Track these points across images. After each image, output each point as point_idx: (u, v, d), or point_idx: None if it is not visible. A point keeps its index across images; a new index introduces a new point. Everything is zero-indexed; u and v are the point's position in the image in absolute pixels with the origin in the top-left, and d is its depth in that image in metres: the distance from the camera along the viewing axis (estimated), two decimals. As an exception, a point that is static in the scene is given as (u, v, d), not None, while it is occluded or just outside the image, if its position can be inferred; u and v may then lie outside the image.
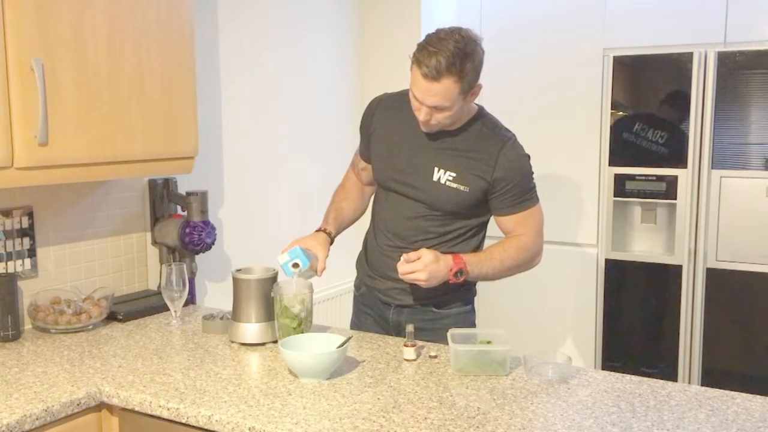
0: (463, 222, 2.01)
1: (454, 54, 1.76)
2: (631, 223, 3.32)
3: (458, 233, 2.01)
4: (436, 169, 1.96)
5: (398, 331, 2.08)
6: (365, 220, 2.23)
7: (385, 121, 2.07)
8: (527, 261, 2.01)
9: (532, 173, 2.00)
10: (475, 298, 2.15)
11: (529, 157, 2.00)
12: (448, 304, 2.07)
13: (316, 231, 2.08)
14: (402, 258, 1.87)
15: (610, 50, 3.27)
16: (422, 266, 1.83)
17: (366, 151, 2.14)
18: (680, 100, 3.09)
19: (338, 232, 2.14)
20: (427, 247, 1.92)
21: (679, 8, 3.19)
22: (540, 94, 3.49)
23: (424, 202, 1.99)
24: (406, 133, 2.01)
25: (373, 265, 2.12)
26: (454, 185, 1.94)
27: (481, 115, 2.00)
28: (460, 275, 1.88)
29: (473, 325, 2.13)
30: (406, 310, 2.08)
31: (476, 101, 1.98)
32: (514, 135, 2.00)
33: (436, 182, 1.96)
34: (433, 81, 1.78)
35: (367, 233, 2.19)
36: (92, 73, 1.93)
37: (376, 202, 2.16)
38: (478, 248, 2.06)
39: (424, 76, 1.79)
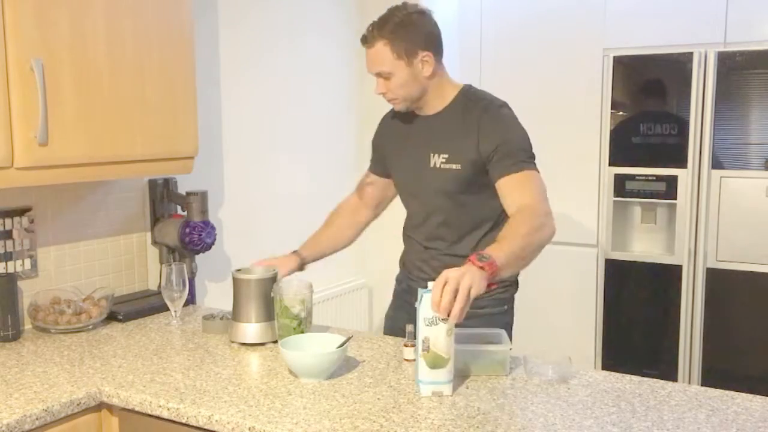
0: (470, 197, 1.96)
1: (384, 20, 1.90)
2: (631, 223, 3.33)
3: (474, 211, 1.98)
4: (431, 155, 1.97)
5: None
6: (397, 218, 2.20)
7: (387, 135, 2.14)
8: (540, 228, 1.79)
9: (526, 137, 1.90)
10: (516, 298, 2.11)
11: (516, 120, 1.92)
12: (479, 305, 1.88)
13: (292, 252, 2.14)
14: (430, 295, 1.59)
15: (610, 50, 3.27)
16: (446, 279, 1.54)
17: (377, 166, 2.19)
18: (680, 101, 3.09)
19: (315, 259, 2.17)
20: (448, 237, 1.98)
21: (679, 8, 3.19)
22: (540, 95, 3.49)
23: (427, 203, 2.01)
24: (407, 137, 2.05)
25: (409, 267, 2.15)
26: (447, 166, 1.94)
27: (465, 90, 1.99)
28: (482, 259, 1.61)
29: (507, 328, 2.00)
30: None
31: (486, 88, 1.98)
32: (499, 101, 1.94)
33: (433, 168, 1.97)
34: (369, 48, 1.92)
35: (404, 231, 2.17)
36: (92, 73, 1.93)
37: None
38: (501, 214, 1.95)
39: (364, 45, 1.93)
